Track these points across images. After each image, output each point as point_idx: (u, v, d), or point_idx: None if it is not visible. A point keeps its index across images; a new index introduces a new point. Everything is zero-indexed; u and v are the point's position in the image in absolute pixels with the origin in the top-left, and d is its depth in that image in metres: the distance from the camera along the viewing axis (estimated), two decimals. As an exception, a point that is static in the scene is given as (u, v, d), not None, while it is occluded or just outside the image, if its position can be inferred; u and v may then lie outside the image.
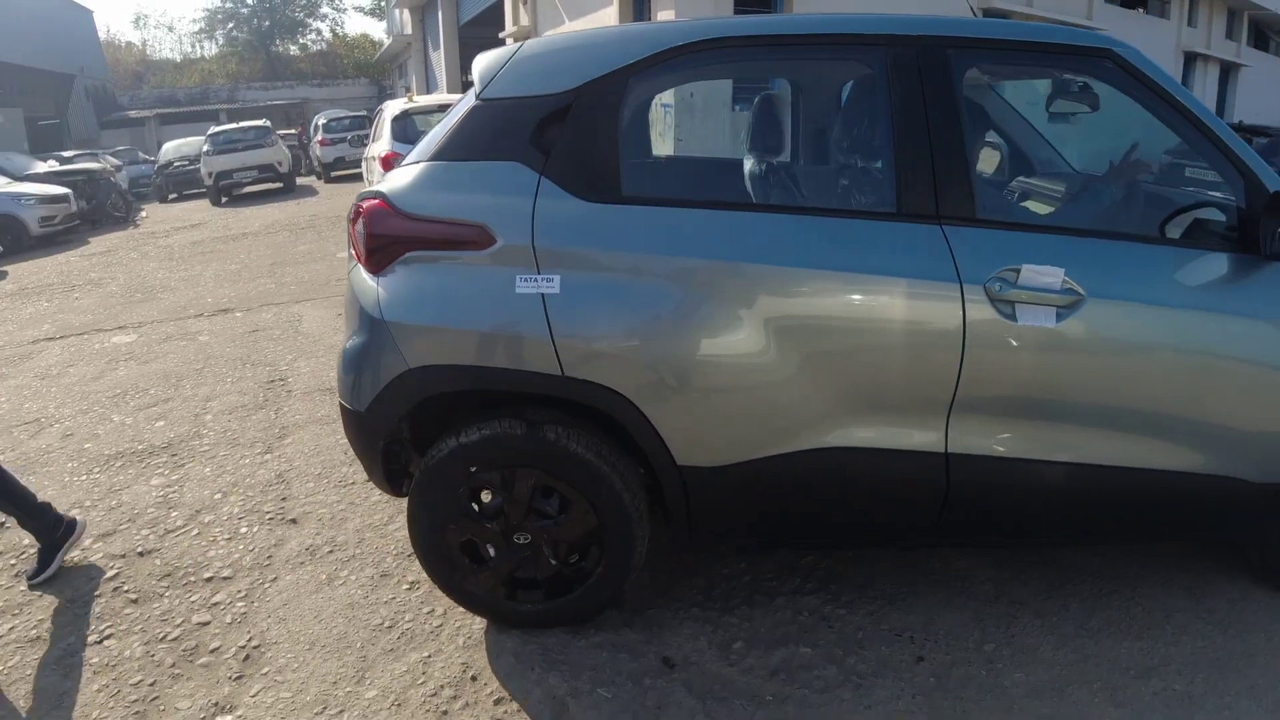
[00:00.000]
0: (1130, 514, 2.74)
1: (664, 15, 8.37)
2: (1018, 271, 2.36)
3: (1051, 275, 2.35)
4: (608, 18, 9.51)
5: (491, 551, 2.61)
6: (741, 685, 2.50)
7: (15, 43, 28.97)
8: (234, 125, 21.38)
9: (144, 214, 18.42)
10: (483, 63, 2.64)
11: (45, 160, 19.52)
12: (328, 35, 58.31)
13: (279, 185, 20.20)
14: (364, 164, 11.04)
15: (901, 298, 2.38)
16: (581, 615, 2.71)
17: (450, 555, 2.62)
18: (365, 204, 2.53)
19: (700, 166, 3.22)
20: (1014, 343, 2.39)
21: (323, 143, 21.20)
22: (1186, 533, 3.01)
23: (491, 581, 2.65)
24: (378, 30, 54.64)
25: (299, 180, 21.98)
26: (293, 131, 29.25)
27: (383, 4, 41.97)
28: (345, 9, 60.04)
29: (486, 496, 2.64)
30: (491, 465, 2.50)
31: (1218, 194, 2.66)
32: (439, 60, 19.76)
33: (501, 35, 14.57)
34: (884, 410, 2.47)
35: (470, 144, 2.49)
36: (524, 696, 2.45)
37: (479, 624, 2.79)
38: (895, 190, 2.46)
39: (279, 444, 4.36)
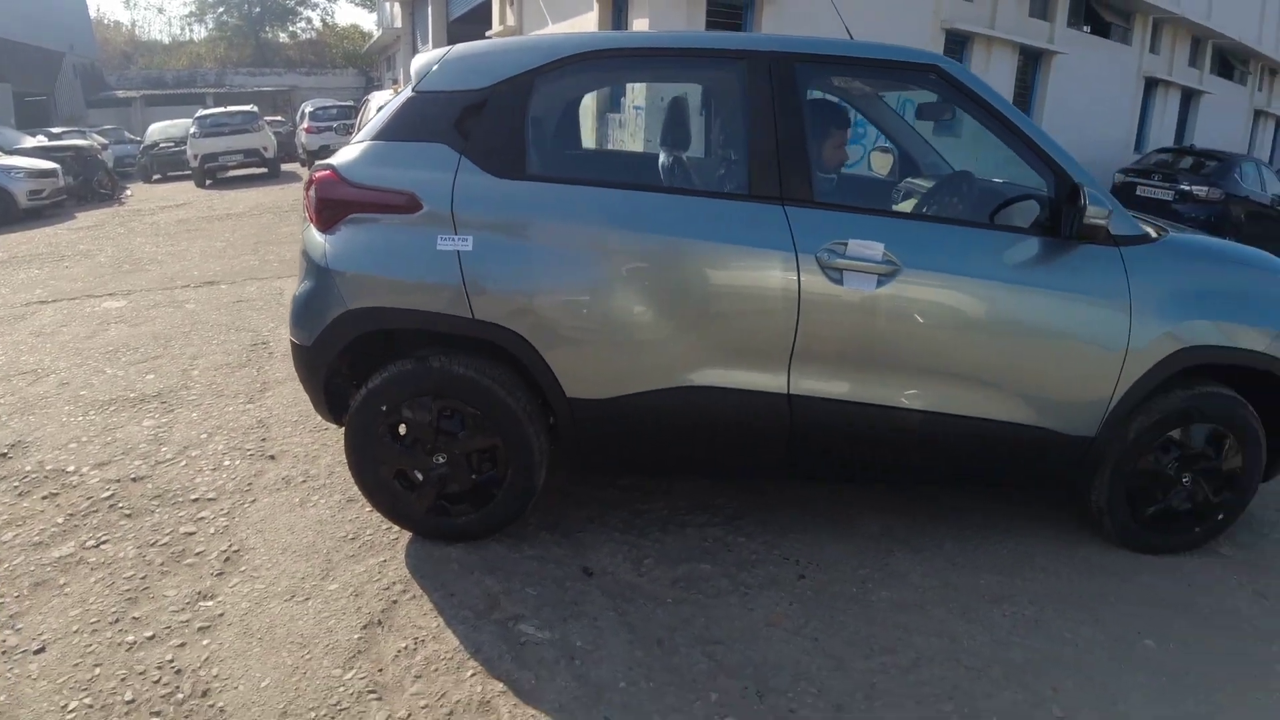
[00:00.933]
0: (955, 456, 3.25)
1: (639, 22, 8.81)
2: (846, 244, 2.91)
3: (873, 248, 2.91)
4: (589, 21, 9.94)
5: (419, 476, 3.10)
6: (647, 590, 2.98)
7: (5, 18, 29.02)
8: (221, 109, 21.66)
9: (129, 192, 18.65)
10: (419, 62, 3.20)
11: (34, 135, 19.71)
12: (318, 24, 58.40)
13: (264, 170, 20.51)
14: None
15: (749, 262, 2.94)
16: (504, 519, 3.19)
17: (386, 485, 3.12)
18: (318, 174, 3.05)
19: (603, 155, 3.87)
20: (841, 302, 2.93)
21: (309, 130, 21.44)
22: (1009, 477, 3.50)
23: (425, 501, 3.13)
24: (368, 22, 54.79)
25: (285, 166, 22.28)
26: (279, 118, 29.48)
27: (375, -5, 42.11)
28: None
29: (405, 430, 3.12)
30: (398, 400, 3.01)
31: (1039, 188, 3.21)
32: (430, 55, 20.20)
33: (488, 34, 14.95)
34: (736, 355, 3.00)
35: (405, 127, 3.03)
36: (464, 592, 2.91)
37: (430, 540, 3.23)
38: (748, 176, 3.03)
39: (260, 396, 4.78)
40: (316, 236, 3.04)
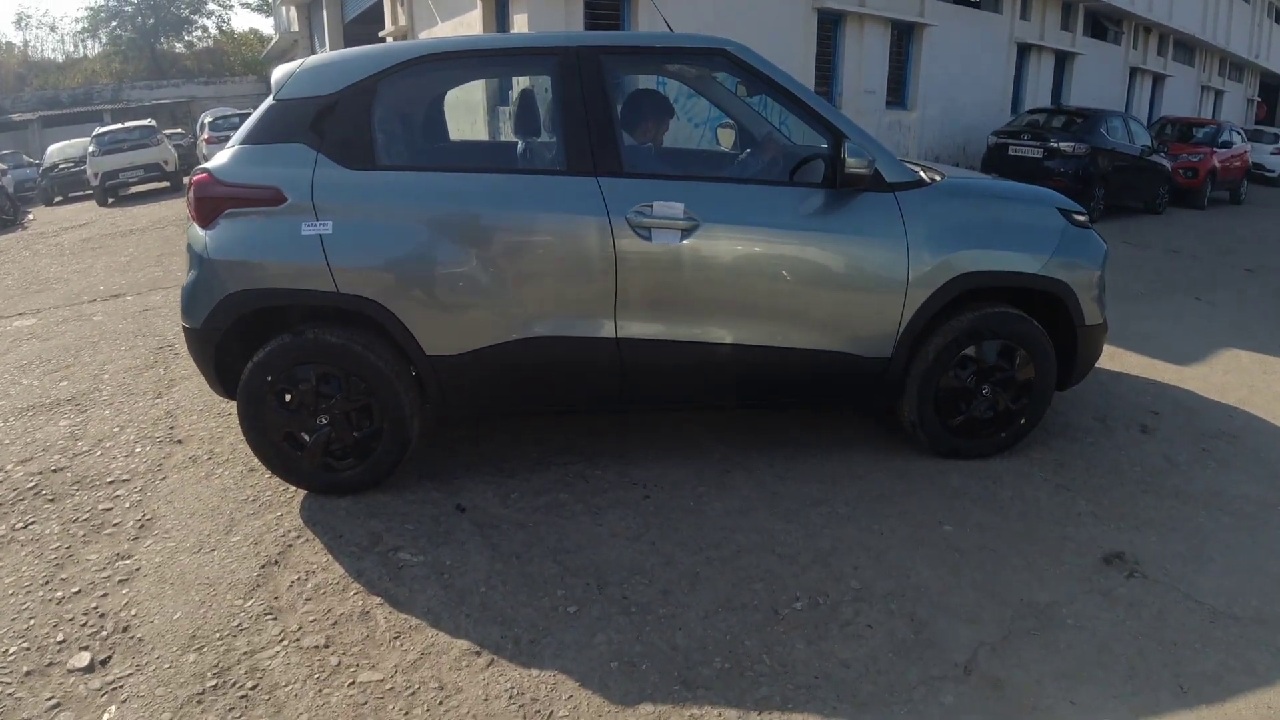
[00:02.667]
0: (769, 382, 3.84)
1: (519, 19, 9.20)
2: (651, 206, 3.45)
3: (674, 208, 3.47)
4: (473, 19, 10.29)
5: (306, 437, 3.54)
6: (511, 519, 3.48)
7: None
8: (119, 125, 21.37)
9: (31, 217, 18.40)
10: (278, 74, 3.65)
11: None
12: (214, 32, 57.17)
13: (166, 184, 20.34)
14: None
15: (570, 227, 3.47)
16: (385, 469, 3.64)
17: (278, 448, 3.56)
18: (196, 177, 3.52)
19: (455, 146, 4.53)
20: (651, 256, 3.48)
21: (209, 140, 21.18)
22: (823, 397, 4.15)
23: (313, 459, 3.57)
24: (268, 27, 53.79)
25: (188, 179, 21.98)
26: (179, 130, 29.05)
27: (270, 0, 41.48)
28: (232, 5, 59.03)
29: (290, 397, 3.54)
30: (281, 370, 3.45)
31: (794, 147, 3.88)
32: (327, 57, 20.19)
33: (381, 34, 15.15)
34: (570, 308, 3.52)
35: (268, 131, 3.51)
36: (351, 533, 3.38)
37: (322, 495, 3.67)
38: (565, 154, 3.56)
39: (168, 391, 5.12)
40: (198, 232, 3.47)
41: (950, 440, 4.02)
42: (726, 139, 5.02)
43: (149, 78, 47.42)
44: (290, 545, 3.31)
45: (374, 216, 3.43)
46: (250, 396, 3.48)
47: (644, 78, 5.66)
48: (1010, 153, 13.16)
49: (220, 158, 3.52)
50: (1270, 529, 3.59)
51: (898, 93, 14.64)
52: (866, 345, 3.74)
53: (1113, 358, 5.79)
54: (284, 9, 27.95)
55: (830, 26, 12.75)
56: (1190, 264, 10.15)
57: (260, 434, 3.54)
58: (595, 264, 3.46)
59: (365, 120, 3.49)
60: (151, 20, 52.17)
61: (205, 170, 3.50)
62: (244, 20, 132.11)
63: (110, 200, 19.19)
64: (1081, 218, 4.14)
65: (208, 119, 23.33)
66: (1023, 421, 4.10)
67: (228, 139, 13.03)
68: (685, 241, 3.47)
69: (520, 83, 4.52)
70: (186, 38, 55.54)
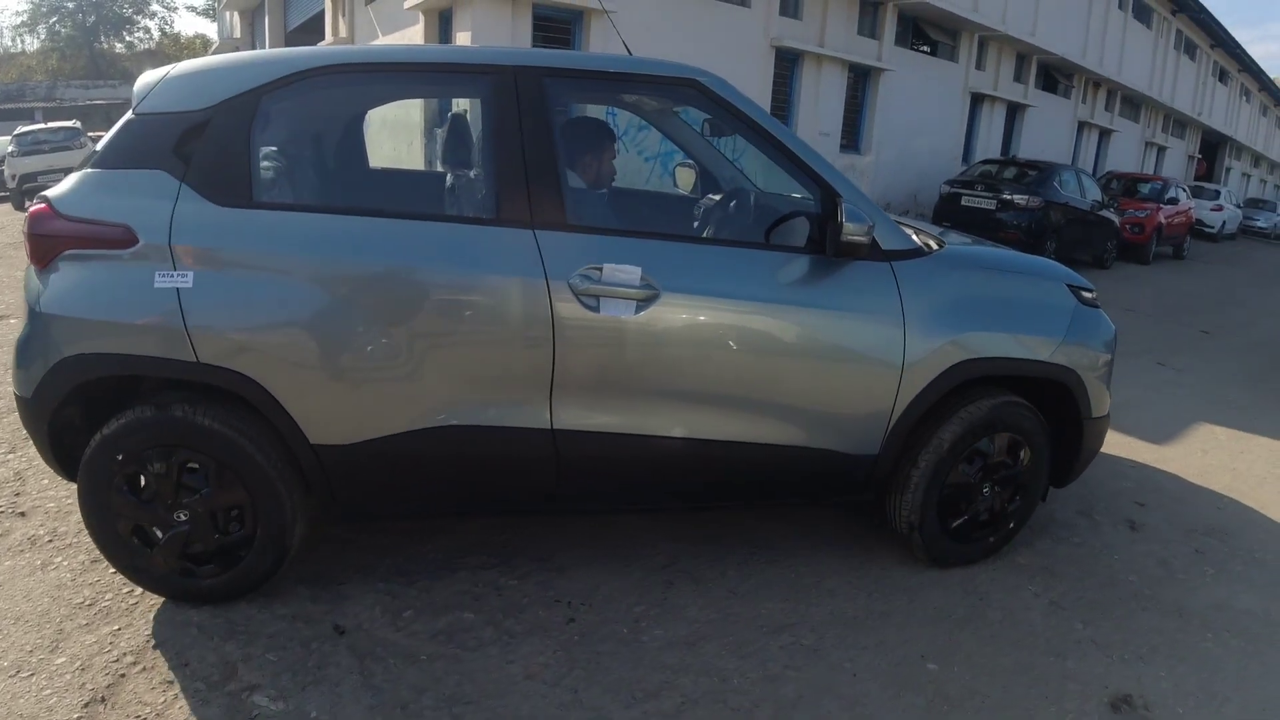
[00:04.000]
0: (740, 481, 3.24)
1: (462, 36, 8.64)
2: (601, 269, 2.78)
3: (630, 272, 2.79)
4: (415, 35, 9.73)
5: (159, 533, 2.81)
6: (403, 647, 2.79)
7: None
8: (41, 126, 20.31)
9: (-64, 216, 17.22)
10: (141, 82, 2.91)
11: None
12: (156, 35, 55.63)
13: (90, 189, 19.23)
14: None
15: (498, 291, 2.79)
16: (254, 581, 2.92)
17: (124, 542, 2.83)
18: (34, 208, 2.77)
19: (360, 179, 3.61)
20: (598, 331, 2.83)
21: (138, 147, 20.26)
22: (801, 497, 3.48)
23: (166, 561, 2.84)
24: (214, 31, 52.55)
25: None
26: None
27: (215, 5, 40.46)
28: (176, 7, 57.71)
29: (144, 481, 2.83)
30: (136, 451, 2.73)
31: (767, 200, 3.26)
32: (267, 67, 19.46)
33: (322, 44, 14.51)
34: (493, 391, 2.85)
35: (123, 153, 2.76)
36: (199, 661, 2.66)
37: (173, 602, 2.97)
38: (495, 200, 2.89)
39: (25, 444, 4.35)
40: (33, 277, 2.76)
41: (945, 545, 3.46)
42: (686, 181, 4.38)
43: (87, 77, 45.87)
44: (124, 675, 2.59)
45: (247, 268, 2.72)
46: (93, 477, 2.75)
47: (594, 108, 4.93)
48: (963, 203, 13.00)
49: (64, 184, 2.80)
50: (1279, 653, 3.21)
51: (852, 136, 14.38)
52: (852, 441, 3.17)
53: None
54: (228, 14, 27.07)
55: (788, 66, 12.42)
56: (1147, 324, 10.04)
57: (104, 524, 2.80)
58: (527, 338, 2.80)
59: (243, 145, 2.77)
60: (93, 18, 50.62)
61: (45, 199, 2.77)
62: (189, 24, 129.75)
63: (27, 204, 17.95)
64: (1090, 295, 3.65)
65: (137, 123, 22.22)
66: (1011, 525, 3.60)
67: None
68: (640, 314, 2.82)
69: (459, 105, 3.66)
70: (128, 38, 54.04)
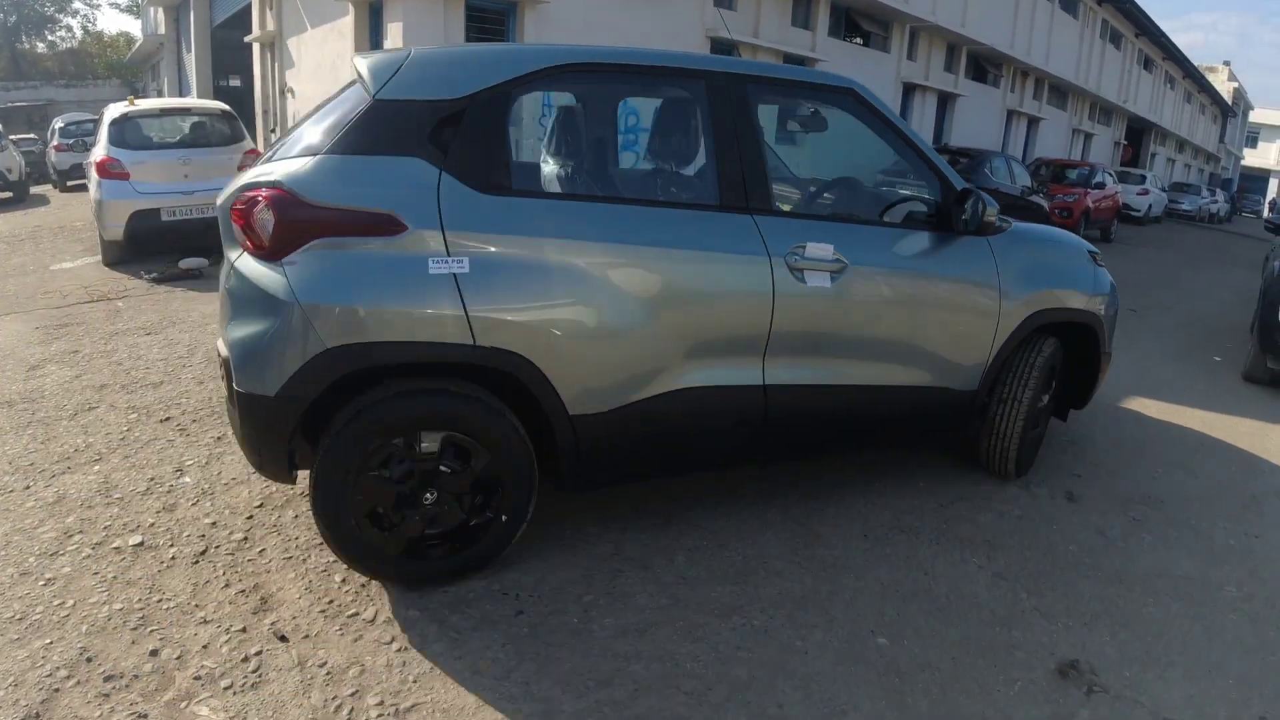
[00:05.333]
0: (890, 421, 3.86)
1: (394, 28, 8.48)
2: (804, 247, 3.26)
3: (826, 250, 3.31)
4: (345, 27, 9.52)
5: (401, 514, 2.86)
6: (346, 650, 2.71)
7: None
8: (-44, 128, 19.46)
9: None
10: (372, 65, 2.93)
11: None
12: (79, 33, 53.86)
13: (9, 195, 18.54)
14: (86, 170, 10.44)
15: (732, 268, 3.18)
16: (485, 559, 3.06)
17: (358, 527, 2.82)
18: (265, 193, 2.69)
19: (574, 167, 3.76)
20: (804, 299, 3.28)
21: (58, 148, 19.53)
22: (926, 432, 4.20)
23: (400, 546, 2.90)
24: (138, 28, 51.08)
25: (36, 189, 20.24)
26: (32, 135, 26.92)
27: (139, 1, 39.25)
28: (99, 4, 55.85)
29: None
30: (394, 434, 2.78)
31: (918, 193, 3.83)
32: (191, 62, 18.84)
33: (247, 39, 14.14)
34: (719, 355, 3.21)
35: (371, 139, 2.77)
36: (134, 671, 2.55)
37: (102, 612, 2.85)
38: (718, 189, 3.24)
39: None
40: (263, 267, 2.69)
41: (1027, 456, 4.34)
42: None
43: (7, 78, 44.21)
44: (58, 690, 2.48)
45: (513, 252, 2.84)
46: (340, 464, 2.73)
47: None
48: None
49: (297, 170, 2.72)
50: (1220, 616, 3.31)
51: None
52: (963, 379, 3.87)
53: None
54: (152, 11, 26.30)
55: (723, 55, 12.44)
56: (1081, 306, 10.14)
57: (343, 512, 2.79)
58: (754, 306, 3.21)
59: (501, 135, 2.93)
60: (13, 18, 48.79)
61: (279, 185, 2.69)
62: (112, 21, 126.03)
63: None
64: (1098, 257, 4.50)
65: (59, 124, 21.51)
66: (1041, 433, 4.54)
67: (78, 145, 11.94)
68: (834, 284, 3.34)
69: (662, 104, 3.85)
70: (50, 37, 52.19)
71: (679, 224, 3.16)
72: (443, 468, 2.86)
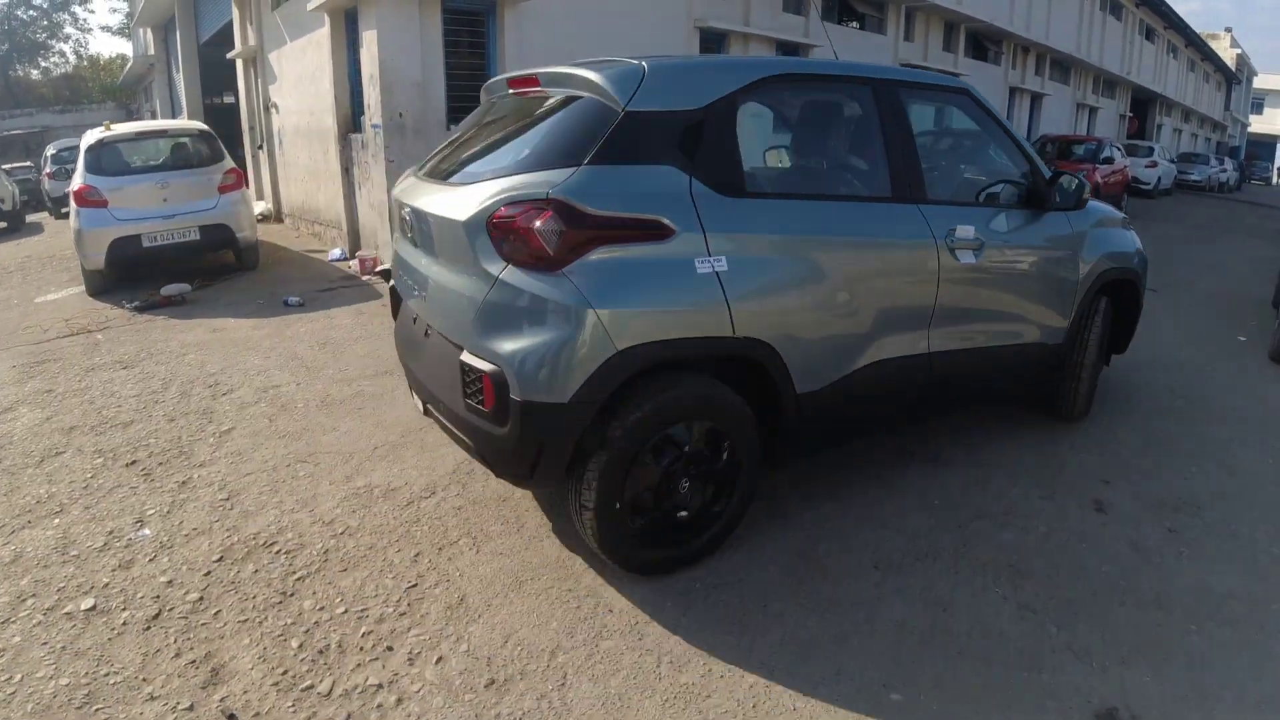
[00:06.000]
0: (1007, 374, 4.44)
1: (368, 35, 8.18)
2: (954, 230, 3.74)
3: (969, 230, 3.82)
4: (322, 38, 9.24)
5: (662, 501, 3.08)
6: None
7: None
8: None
9: None
10: (611, 77, 3.02)
11: None
12: (72, 59, 53.86)
13: (3, 225, 18.38)
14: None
15: (912, 252, 3.63)
16: (715, 544, 3.33)
17: (626, 514, 3.00)
18: (545, 206, 2.73)
19: (785, 168, 4.13)
20: (960, 274, 3.79)
21: (50, 176, 19.33)
22: (1028, 382, 4.71)
23: (649, 531, 3.10)
24: (129, 49, 51.09)
25: (32, 217, 20.06)
26: (28, 163, 26.80)
27: (129, 23, 39.17)
28: (90, 29, 55.84)
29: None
30: (676, 421, 3.00)
31: (1011, 177, 4.27)
32: (181, 81, 18.64)
33: (230, 55, 13.90)
34: (900, 329, 3.63)
35: (627, 149, 2.89)
36: None
37: (48, 688, 2.59)
38: (891, 183, 3.64)
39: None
40: (544, 277, 2.75)
41: (1088, 405, 5.07)
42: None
43: (2, 107, 44.21)
44: None
45: (755, 249, 3.09)
46: (624, 459, 2.91)
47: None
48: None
49: (564, 181, 2.77)
50: (1269, 640, 3.01)
51: None
52: (1054, 334, 4.49)
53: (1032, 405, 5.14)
54: (141, 32, 26.12)
55: (714, 45, 12.04)
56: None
57: (614, 507, 2.96)
58: (926, 284, 3.68)
59: (733, 141, 3.13)
60: (5, 46, 48.84)
61: (558, 197, 2.74)
62: (104, 44, 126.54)
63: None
64: (1128, 221, 5.25)
65: (51, 151, 21.32)
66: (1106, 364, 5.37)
67: (67, 172, 11.67)
68: (978, 259, 3.86)
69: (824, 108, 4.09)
70: (43, 64, 52.24)
71: (872, 216, 3.56)
72: (697, 456, 3.08)
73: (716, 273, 2.92)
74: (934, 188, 3.97)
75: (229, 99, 20.18)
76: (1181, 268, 11.89)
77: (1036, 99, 25.98)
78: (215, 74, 18.55)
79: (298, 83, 10.77)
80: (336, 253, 9.66)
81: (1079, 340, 4.66)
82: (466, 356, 2.90)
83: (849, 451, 4.38)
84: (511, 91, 3.59)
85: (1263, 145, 65.61)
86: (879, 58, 16.37)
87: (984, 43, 22.47)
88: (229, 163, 9.10)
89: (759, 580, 3.23)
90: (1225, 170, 37.70)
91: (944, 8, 17.97)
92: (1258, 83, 65.50)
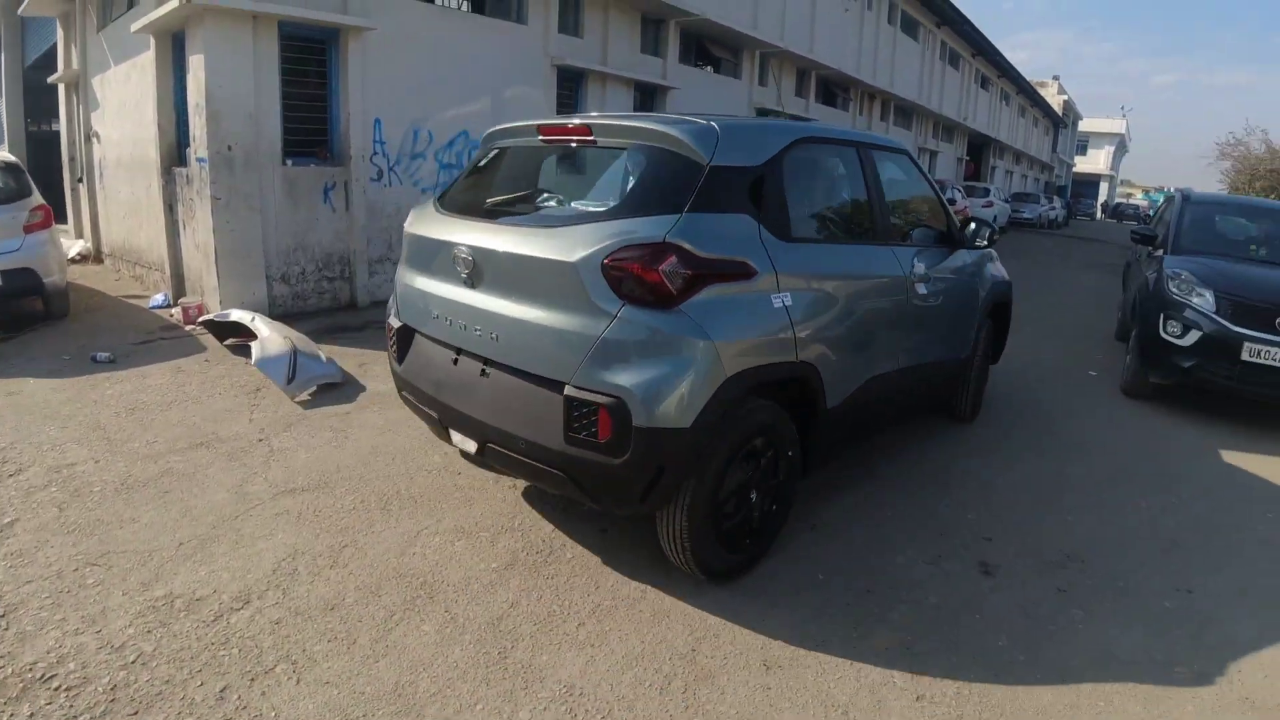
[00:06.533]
0: (936, 385, 5.18)
1: (195, 60, 7.42)
2: (914, 267, 4.50)
3: (922, 266, 4.58)
4: (146, 62, 8.38)
5: (739, 509, 3.44)
6: None
7: None
8: None
9: None
10: (694, 133, 3.30)
11: None
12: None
13: None
14: None
15: (896, 284, 4.34)
16: (771, 542, 3.75)
17: (711, 525, 3.33)
18: (664, 249, 3.00)
19: (808, 217, 4.12)
20: (918, 301, 4.52)
21: None
22: (943, 393, 5.51)
23: (726, 538, 3.45)
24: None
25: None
26: None
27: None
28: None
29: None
30: (751, 440, 3.37)
31: (937, 220, 5.15)
32: (3, 105, 16.99)
33: (51, 80, 12.68)
34: (883, 349, 4.23)
35: (714, 199, 3.23)
36: None
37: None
38: (875, 228, 4.37)
39: None
40: (663, 314, 3.00)
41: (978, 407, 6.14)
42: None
43: None
44: None
45: (803, 285, 3.56)
46: (715, 476, 3.26)
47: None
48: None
49: (674, 228, 3.06)
50: (1179, 710, 2.88)
51: None
52: (965, 349, 5.40)
53: (927, 438, 4.95)
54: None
55: (572, 85, 11.75)
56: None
57: (708, 522, 3.32)
58: (903, 311, 4.41)
59: (783, 193, 3.60)
60: None
61: (674, 242, 3.03)
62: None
63: None
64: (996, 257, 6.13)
65: None
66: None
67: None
68: (926, 290, 4.60)
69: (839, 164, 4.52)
70: None
71: (870, 256, 4.22)
72: (766, 468, 3.51)
73: (785, 306, 3.38)
74: (895, 231, 4.64)
75: (56, 126, 18.61)
76: (1025, 303, 12.19)
77: (883, 142, 26.96)
78: (33, 98, 17.00)
79: (120, 110, 9.79)
80: (158, 298, 8.68)
81: (975, 353, 5.61)
82: (574, 391, 3.01)
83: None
84: (545, 139, 3.74)
85: (1087, 184, 71.06)
86: (735, 102, 16.51)
87: (833, 89, 23.14)
88: (37, 199, 8.04)
89: (627, 695, 2.80)
90: (1054, 208, 40.26)
91: (796, 54, 18.33)
92: (1082, 126, 70.81)
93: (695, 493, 3.18)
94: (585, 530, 3.93)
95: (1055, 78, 56.27)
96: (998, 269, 5.94)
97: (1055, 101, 54.22)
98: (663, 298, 2.97)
